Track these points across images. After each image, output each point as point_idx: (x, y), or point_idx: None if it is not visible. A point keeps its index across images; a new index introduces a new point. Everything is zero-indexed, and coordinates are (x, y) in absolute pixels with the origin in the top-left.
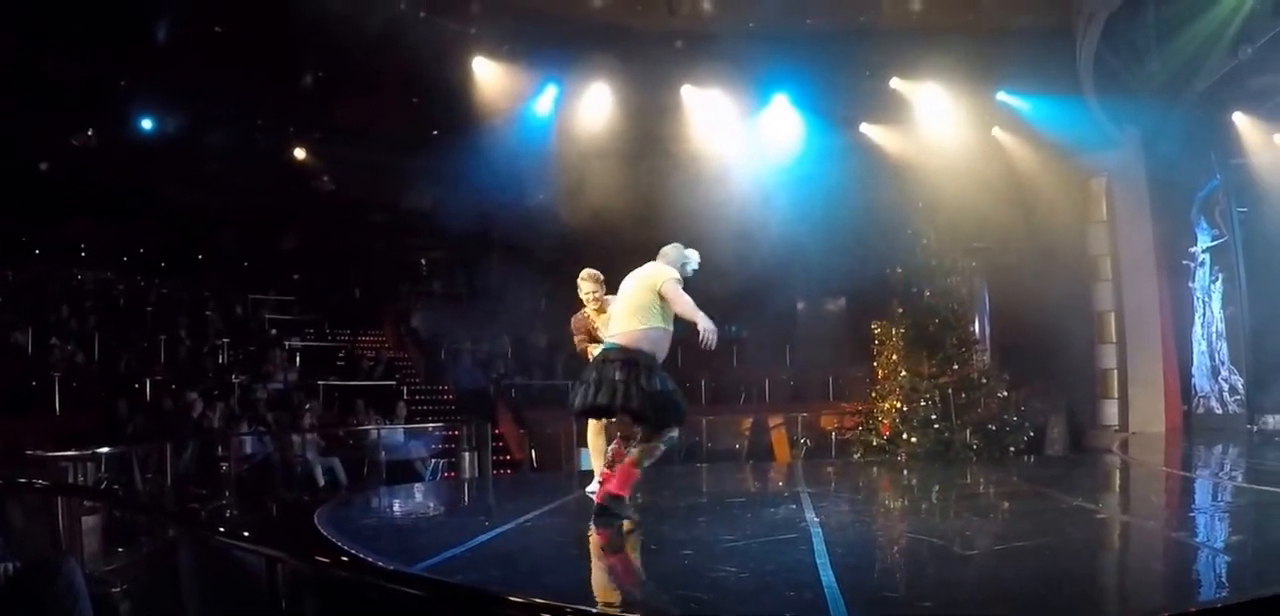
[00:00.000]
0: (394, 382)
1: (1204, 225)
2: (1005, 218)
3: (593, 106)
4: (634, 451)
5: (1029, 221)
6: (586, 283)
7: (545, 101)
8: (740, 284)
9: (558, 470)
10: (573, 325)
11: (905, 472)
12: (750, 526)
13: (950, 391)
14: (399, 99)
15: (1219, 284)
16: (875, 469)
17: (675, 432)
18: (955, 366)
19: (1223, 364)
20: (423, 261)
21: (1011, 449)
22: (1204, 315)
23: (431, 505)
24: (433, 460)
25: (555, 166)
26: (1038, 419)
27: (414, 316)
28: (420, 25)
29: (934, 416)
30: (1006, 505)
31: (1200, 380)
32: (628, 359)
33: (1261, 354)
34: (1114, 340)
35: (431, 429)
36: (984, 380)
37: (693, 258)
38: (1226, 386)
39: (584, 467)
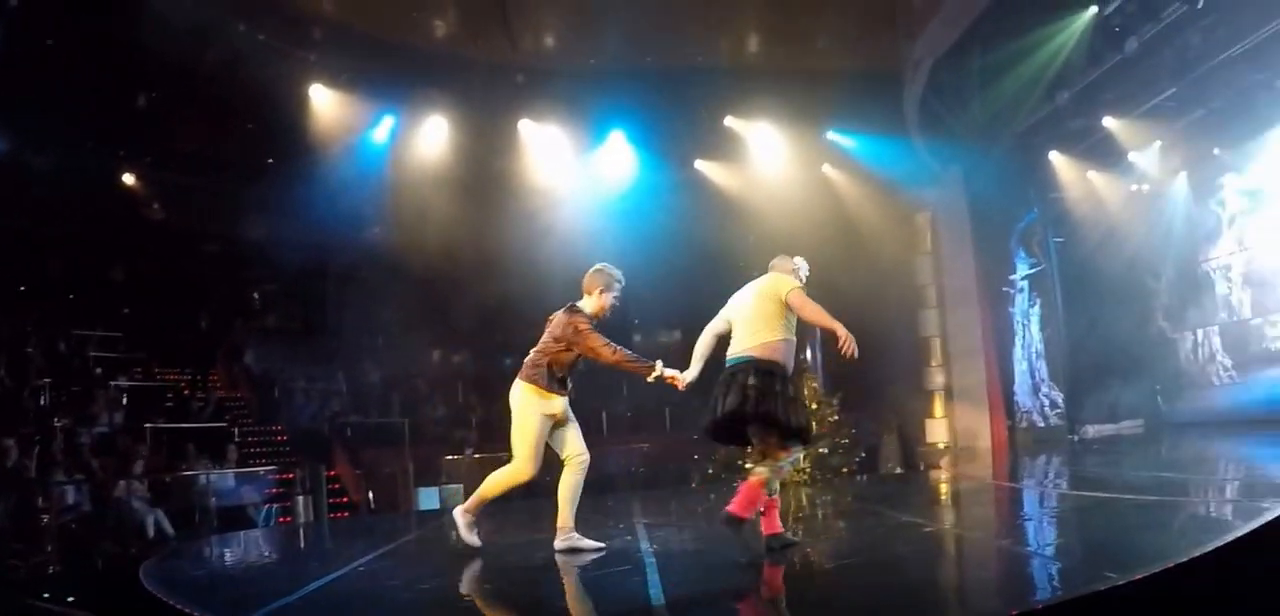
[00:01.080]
0: (225, 423)
1: (1022, 255)
2: (835, 250)
3: (429, 138)
4: (761, 470)
5: (858, 254)
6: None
7: (382, 132)
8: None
9: (395, 511)
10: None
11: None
12: (586, 560)
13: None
14: (235, 125)
15: (1037, 308)
16: (712, 495)
17: (799, 452)
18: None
19: (1043, 381)
20: (256, 295)
21: (845, 469)
22: (1024, 337)
23: (265, 552)
24: (266, 505)
25: (391, 198)
26: (870, 440)
27: (247, 353)
28: (259, 49)
29: None
30: (841, 524)
31: (1022, 397)
32: (765, 369)
33: (1078, 370)
34: (940, 363)
35: (264, 472)
36: (815, 405)
37: (804, 265)
38: (1047, 401)
39: (422, 508)
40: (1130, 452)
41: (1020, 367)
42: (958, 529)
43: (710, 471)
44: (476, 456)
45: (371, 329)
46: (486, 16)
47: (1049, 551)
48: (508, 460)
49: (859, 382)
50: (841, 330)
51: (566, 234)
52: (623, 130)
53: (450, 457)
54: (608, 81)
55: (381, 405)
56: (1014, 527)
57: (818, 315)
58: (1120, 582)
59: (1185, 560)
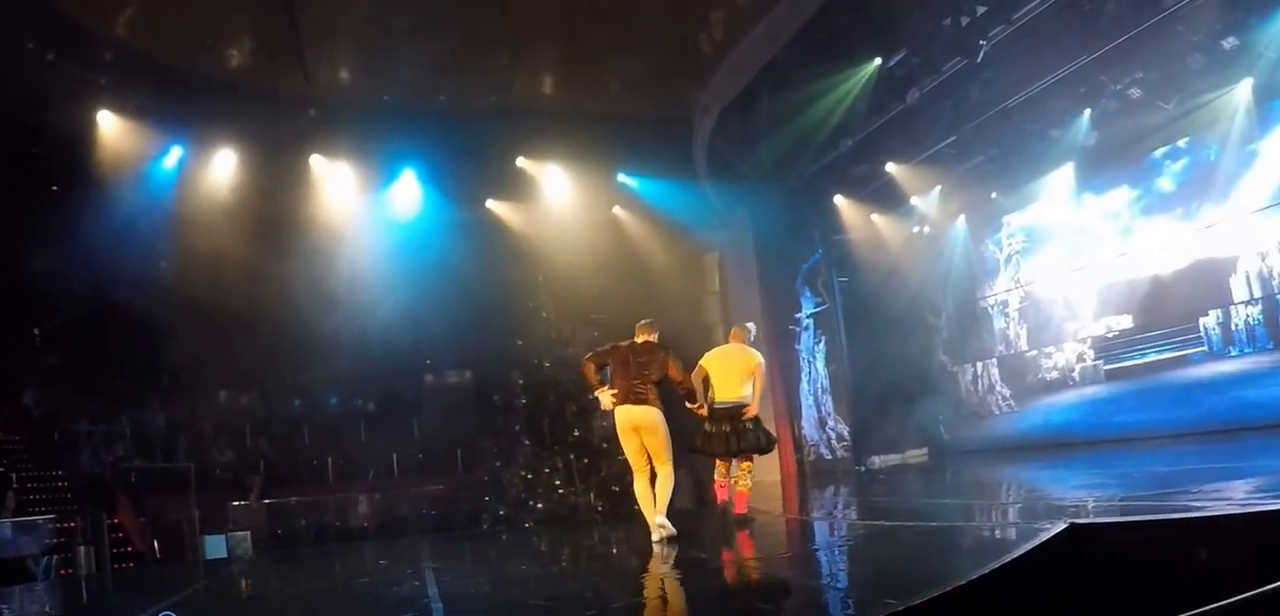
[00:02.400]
0: (2, 469)
1: (808, 293)
2: (624, 291)
3: (219, 170)
4: (745, 482)
5: (647, 294)
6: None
7: (169, 162)
8: (366, 356)
9: (181, 561)
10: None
11: (533, 538)
12: (371, 610)
13: (573, 457)
14: (17, 148)
15: (822, 345)
16: (504, 537)
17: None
18: (576, 433)
19: (829, 415)
20: (36, 331)
21: (635, 507)
22: (810, 373)
23: (44, 608)
24: (45, 556)
25: (178, 232)
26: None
27: (26, 393)
28: (46, 69)
29: (558, 482)
30: (635, 562)
31: (810, 431)
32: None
33: (862, 404)
34: None
35: (43, 521)
36: (604, 444)
37: (753, 328)
38: (834, 434)
39: (209, 556)
40: (915, 481)
41: (807, 402)
42: (748, 561)
43: (501, 513)
44: (266, 502)
45: (157, 368)
46: (280, 48)
47: (832, 581)
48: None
49: None
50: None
51: (356, 272)
52: (414, 168)
53: (237, 504)
54: (399, 119)
55: (166, 449)
56: (802, 559)
57: (762, 393)
58: (899, 609)
59: (964, 582)
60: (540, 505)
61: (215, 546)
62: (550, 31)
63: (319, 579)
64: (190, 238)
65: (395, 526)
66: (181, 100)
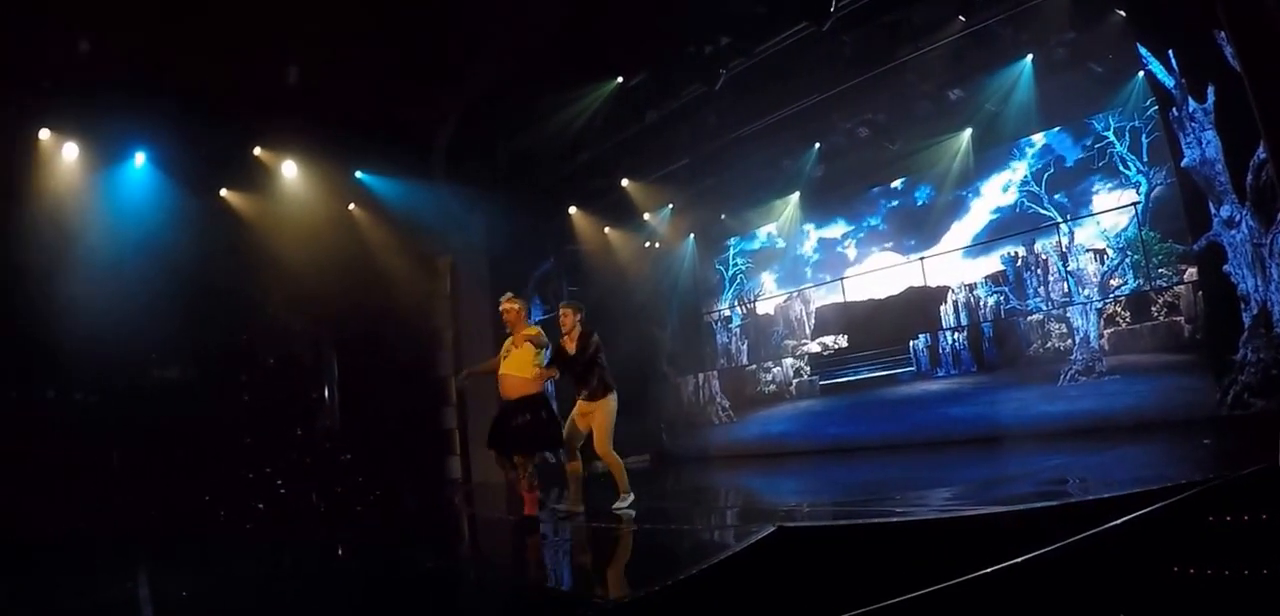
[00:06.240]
0: None
1: (538, 300)
2: (357, 290)
3: None
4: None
5: (381, 293)
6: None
7: None
8: (86, 347)
9: None
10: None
11: (253, 539)
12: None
13: (295, 456)
14: None
15: (549, 350)
16: (225, 538)
17: None
18: (299, 431)
19: None
20: None
21: (358, 507)
22: None
23: None
24: None
25: None
26: (388, 479)
27: None
28: None
29: (280, 481)
30: (354, 565)
31: None
32: None
33: None
34: (454, 402)
35: None
36: (329, 444)
37: None
38: None
39: None
40: (638, 484)
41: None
42: (468, 565)
43: (222, 514)
44: None
45: None
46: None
47: (548, 579)
48: None
49: (376, 422)
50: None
51: (82, 255)
52: (146, 152)
53: None
54: (134, 98)
55: None
56: (523, 559)
57: None
58: (613, 606)
59: (681, 579)
60: (262, 506)
61: None
62: (293, 22)
63: (24, 579)
64: None
65: (113, 526)
66: None
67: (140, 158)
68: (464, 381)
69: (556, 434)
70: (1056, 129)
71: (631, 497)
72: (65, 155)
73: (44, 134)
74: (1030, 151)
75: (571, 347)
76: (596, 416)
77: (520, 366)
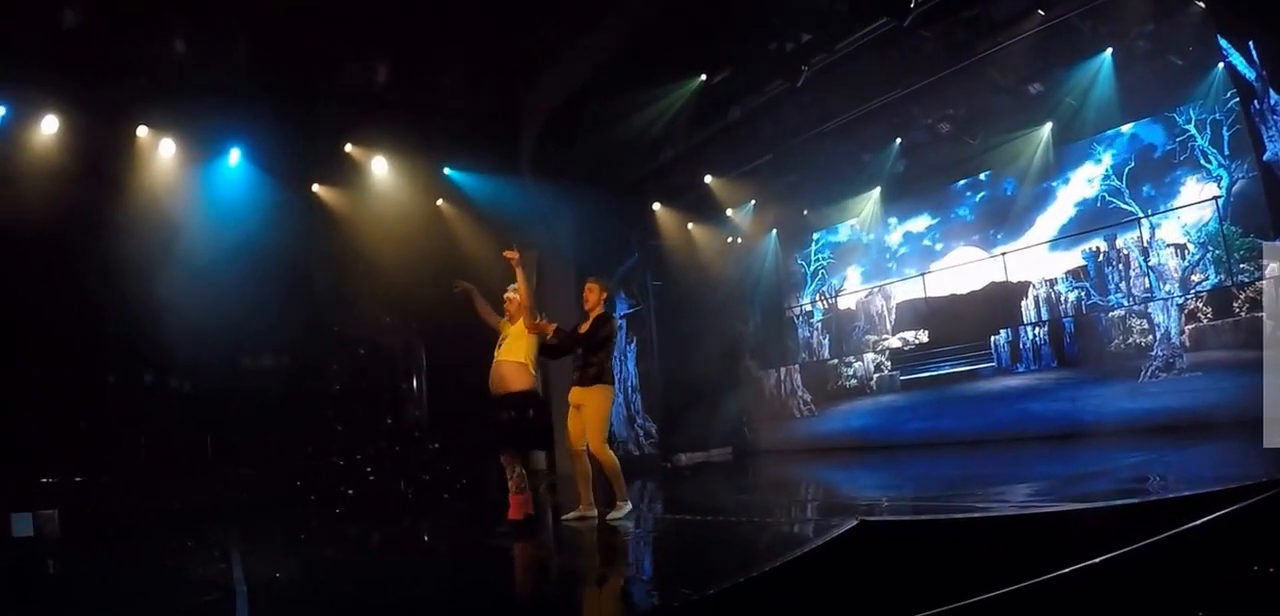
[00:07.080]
0: None
1: (623, 295)
2: (445, 284)
3: (41, 135)
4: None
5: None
6: None
7: None
8: (182, 335)
9: None
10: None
11: (344, 525)
12: (176, 591)
13: (385, 445)
14: None
15: (634, 345)
16: (314, 522)
17: None
18: (389, 420)
19: (638, 413)
20: None
21: (445, 496)
22: (621, 372)
23: None
24: None
25: None
26: (474, 469)
27: None
28: None
29: (369, 468)
30: (444, 549)
31: (619, 427)
32: None
33: (672, 403)
34: (542, 394)
35: None
36: (417, 433)
37: None
38: (642, 432)
39: (16, 534)
40: (719, 478)
41: (617, 400)
42: (549, 553)
43: (313, 498)
44: (77, 479)
45: None
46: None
47: (634, 572)
48: None
49: (463, 414)
50: None
51: (179, 248)
52: (241, 148)
53: (46, 480)
54: (228, 97)
55: None
56: (606, 551)
57: None
58: (694, 598)
59: (760, 573)
60: (351, 490)
61: (22, 524)
62: (382, 19)
63: (125, 558)
64: (4, 203)
65: (207, 509)
66: (5, 57)
67: (235, 154)
68: (462, 291)
69: (542, 434)
70: (1137, 122)
71: (629, 508)
72: (162, 152)
73: (141, 130)
74: (1111, 146)
75: (588, 323)
76: (589, 408)
77: (516, 352)
